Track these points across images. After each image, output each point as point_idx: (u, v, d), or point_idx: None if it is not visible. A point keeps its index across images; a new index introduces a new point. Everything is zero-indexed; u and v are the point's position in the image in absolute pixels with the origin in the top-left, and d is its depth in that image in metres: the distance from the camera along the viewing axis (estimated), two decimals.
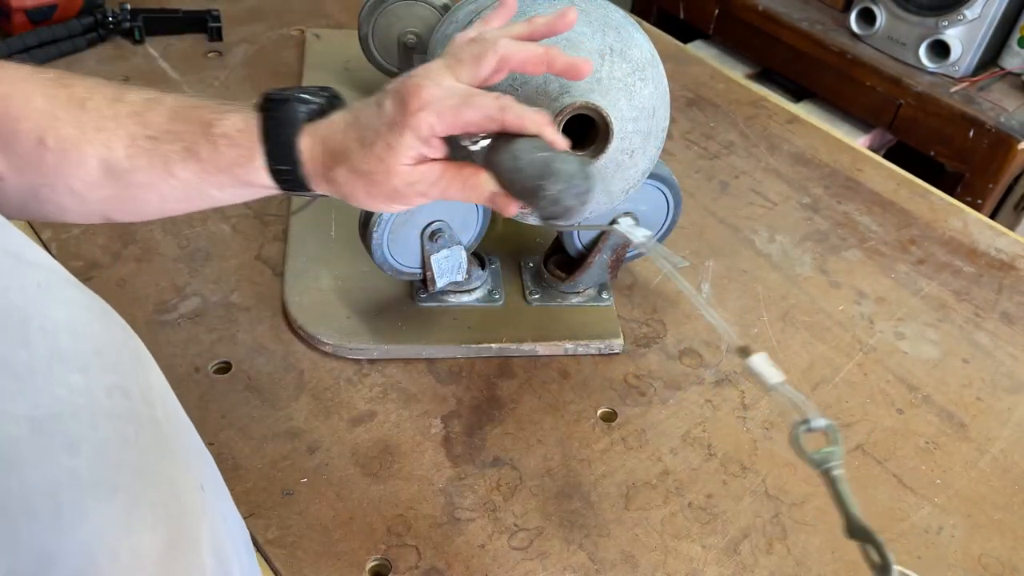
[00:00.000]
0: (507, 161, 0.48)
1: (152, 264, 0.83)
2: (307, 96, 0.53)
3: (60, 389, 0.32)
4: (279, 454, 0.68)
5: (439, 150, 0.51)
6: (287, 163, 0.52)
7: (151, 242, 0.85)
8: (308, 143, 0.52)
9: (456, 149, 0.52)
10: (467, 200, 0.52)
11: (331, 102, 0.54)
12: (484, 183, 0.51)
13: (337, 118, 0.52)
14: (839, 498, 0.45)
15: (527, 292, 0.82)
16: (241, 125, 0.52)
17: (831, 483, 0.46)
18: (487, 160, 0.51)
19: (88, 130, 0.51)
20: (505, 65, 0.51)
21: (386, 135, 0.49)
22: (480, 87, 0.51)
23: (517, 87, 0.60)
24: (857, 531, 0.44)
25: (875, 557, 0.43)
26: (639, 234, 0.56)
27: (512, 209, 0.52)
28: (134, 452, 0.33)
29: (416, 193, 0.52)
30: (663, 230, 0.80)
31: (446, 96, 0.49)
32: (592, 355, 0.79)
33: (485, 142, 0.51)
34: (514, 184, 0.49)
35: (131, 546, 0.31)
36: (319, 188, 0.54)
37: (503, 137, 0.50)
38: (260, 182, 0.53)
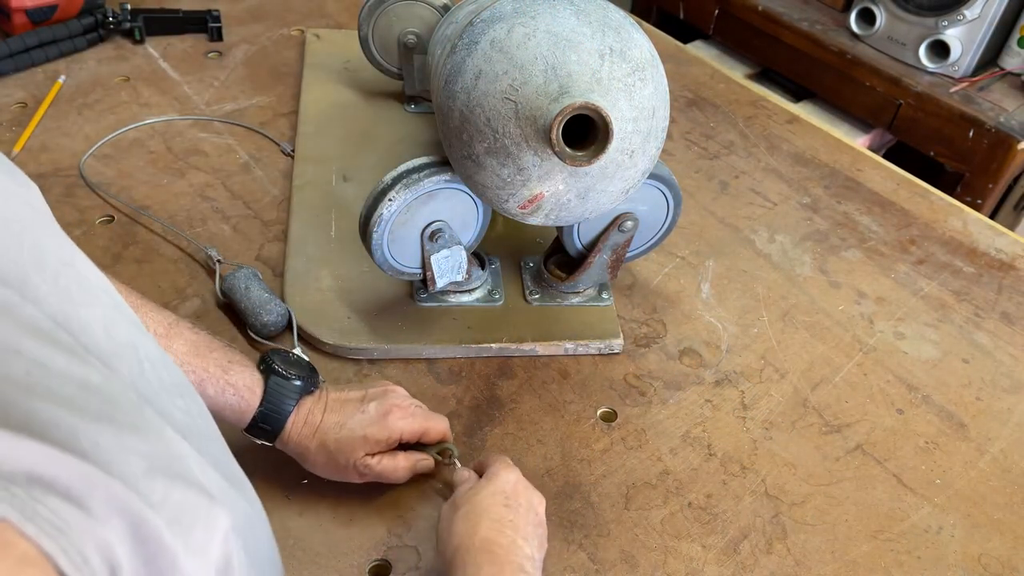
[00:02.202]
0: None
1: (153, 265, 0.83)
2: (300, 375, 0.64)
3: (177, 413, 0.38)
4: (279, 455, 0.68)
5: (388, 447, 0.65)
6: (272, 425, 0.63)
7: (152, 243, 0.85)
8: (294, 417, 0.63)
9: None
10: (392, 481, 0.65)
11: (312, 381, 0.66)
12: (404, 476, 0.66)
13: (317, 406, 0.64)
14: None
15: (527, 292, 0.82)
16: (250, 382, 0.62)
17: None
18: None
19: None
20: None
21: (367, 428, 0.63)
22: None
23: (517, 87, 0.60)
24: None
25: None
26: None
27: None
28: (228, 461, 0.42)
29: (358, 474, 0.64)
30: (663, 230, 0.80)
31: (414, 418, 0.65)
32: (592, 355, 0.79)
33: None
34: None
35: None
36: (280, 446, 0.64)
37: None
38: (237, 423, 0.63)
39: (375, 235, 0.71)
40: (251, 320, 0.75)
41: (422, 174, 0.70)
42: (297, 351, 0.74)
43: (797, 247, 0.94)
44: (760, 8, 1.64)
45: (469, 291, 0.80)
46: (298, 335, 0.76)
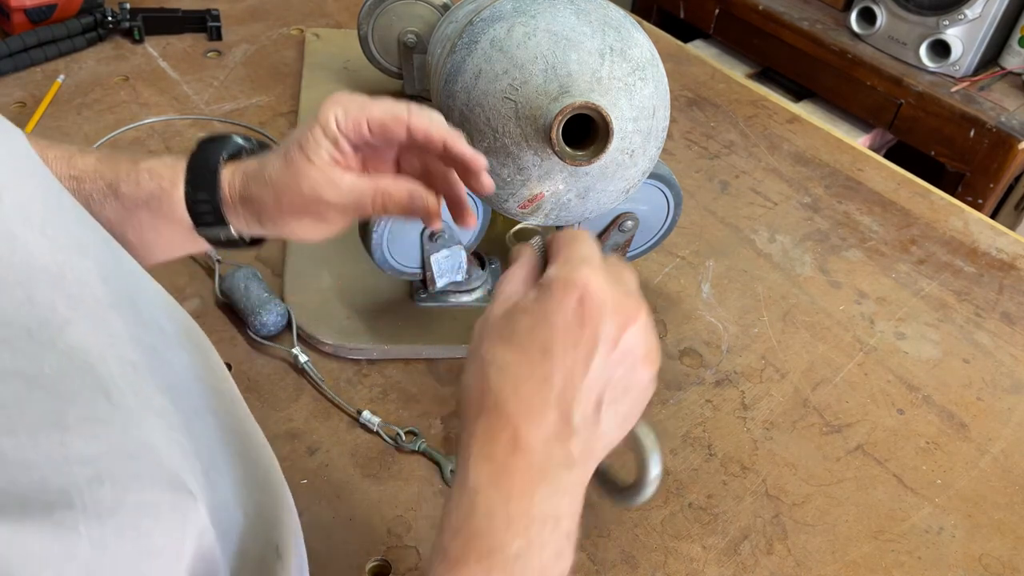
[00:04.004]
0: None
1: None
2: (238, 139, 0.54)
3: (177, 366, 0.36)
4: (279, 455, 0.67)
5: (352, 159, 0.51)
6: (206, 190, 0.51)
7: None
8: (229, 172, 0.52)
9: None
10: (384, 214, 0.52)
11: (260, 148, 0.55)
12: (396, 199, 0.50)
13: (254, 158, 0.53)
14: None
15: None
16: (169, 161, 0.53)
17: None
18: None
19: None
20: (406, 129, 0.50)
21: (298, 137, 0.50)
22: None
23: (517, 87, 0.60)
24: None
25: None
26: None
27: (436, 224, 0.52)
28: (233, 420, 0.39)
29: (328, 203, 0.50)
30: (663, 230, 0.80)
31: (355, 98, 0.50)
32: None
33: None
34: None
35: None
36: (235, 219, 0.53)
37: None
38: (177, 216, 0.52)
39: (375, 235, 0.70)
40: (251, 320, 0.75)
41: None
42: (296, 350, 0.74)
43: (797, 247, 0.94)
44: (760, 7, 1.64)
45: (469, 291, 0.80)
46: (298, 335, 0.76)
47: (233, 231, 0.53)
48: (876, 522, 0.68)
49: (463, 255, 0.76)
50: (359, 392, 0.73)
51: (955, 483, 0.72)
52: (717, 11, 1.73)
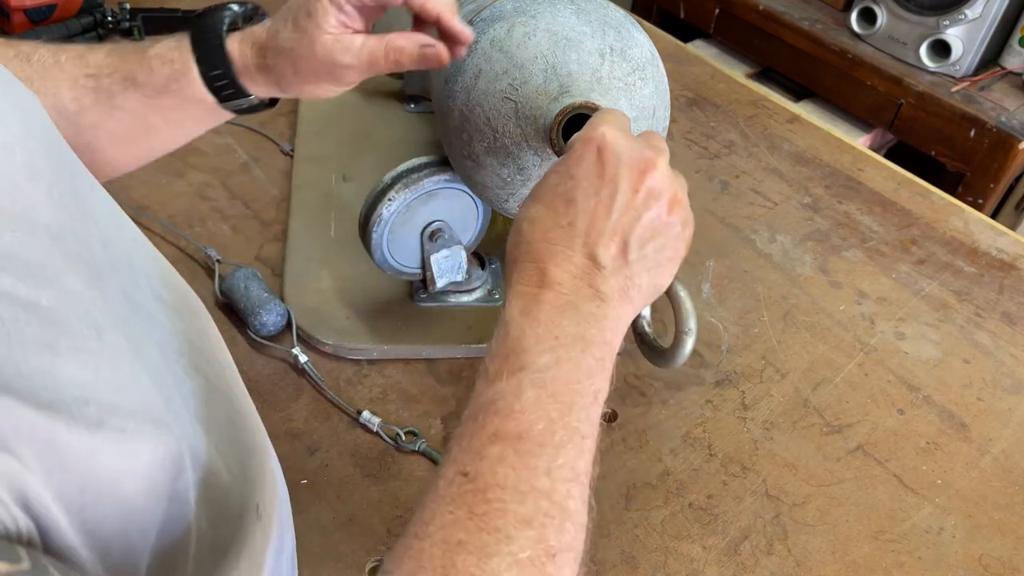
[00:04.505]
0: None
1: None
2: (233, 6, 0.56)
3: (169, 326, 0.38)
4: (279, 455, 0.68)
5: (357, 20, 0.54)
6: (219, 66, 0.54)
7: (151, 242, 0.85)
8: (236, 43, 0.55)
9: None
10: (397, 68, 0.55)
11: (254, 12, 0.58)
12: (408, 52, 0.55)
13: (259, 27, 0.56)
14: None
15: None
16: (173, 44, 0.55)
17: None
18: None
19: (35, 80, 0.52)
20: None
21: (305, 5, 0.53)
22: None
23: (517, 87, 0.60)
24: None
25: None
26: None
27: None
28: (224, 384, 0.41)
29: (344, 66, 0.53)
30: None
31: None
32: None
33: None
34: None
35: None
36: (254, 88, 0.56)
37: None
38: (199, 95, 0.54)
39: (375, 235, 0.70)
40: (251, 320, 0.75)
41: (422, 174, 0.69)
42: (296, 350, 0.74)
43: (798, 247, 0.93)
44: (761, 7, 1.64)
45: (469, 291, 0.80)
46: (298, 335, 0.76)
47: (255, 99, 0.56)
48: (876, 522, 0.68)
49: (463, 255, 0.76)
50: (359, 392, 0.73)
51: (955, 483, 0.72)
52: (717, 11, 1.73)
